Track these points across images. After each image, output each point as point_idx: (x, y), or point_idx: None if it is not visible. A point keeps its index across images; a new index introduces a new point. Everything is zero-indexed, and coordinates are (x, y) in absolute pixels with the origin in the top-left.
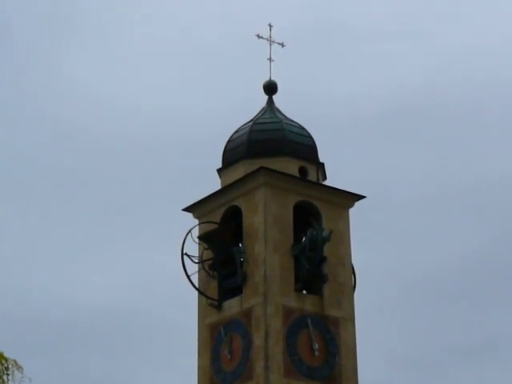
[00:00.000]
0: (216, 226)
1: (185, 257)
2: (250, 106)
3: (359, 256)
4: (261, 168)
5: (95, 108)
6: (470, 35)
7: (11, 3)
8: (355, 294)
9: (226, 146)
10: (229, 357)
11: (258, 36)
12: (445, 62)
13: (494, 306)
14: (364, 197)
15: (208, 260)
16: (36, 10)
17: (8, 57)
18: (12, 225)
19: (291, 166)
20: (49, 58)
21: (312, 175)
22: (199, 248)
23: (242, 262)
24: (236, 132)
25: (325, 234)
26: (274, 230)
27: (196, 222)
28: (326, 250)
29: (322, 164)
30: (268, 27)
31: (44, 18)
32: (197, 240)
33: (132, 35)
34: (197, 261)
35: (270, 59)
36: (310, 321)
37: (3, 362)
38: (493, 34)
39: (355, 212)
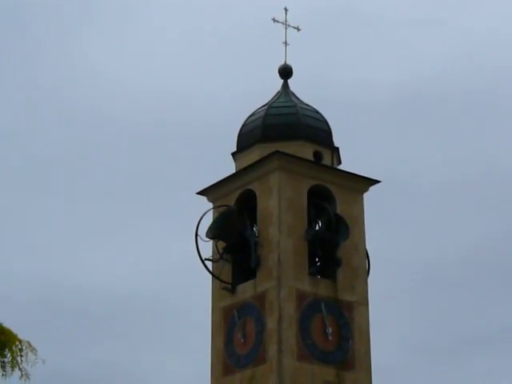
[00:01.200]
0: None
1: (199, 240)
2: (265, 89)
3: (373, 241)
4: (275, 152)
5: (109, 93)
6: (486, 22)
7: None
8: (369, 279)
9: (240, 130)
10: (242, 340)
11: (274, 20)
12: (460, 49)
13: (508, 293)
14: (378, 181)
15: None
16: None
17: (22, 42)
18: (29, 211)
19: (306, 150)
20: (62, 42)
21: (327, 159)
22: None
23: (256, 245)
24: (251, 116)
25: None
26: (288, 214)
27: (211, 205)
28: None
29: (337, 148)
30: (283, 11)
31: (59, 2)
32: (205, 239)
33: (147, 21)
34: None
35: (285, 43)
36: (323, 305)
37: (17, 343)
38: (509, 21)
39: (370, 197)
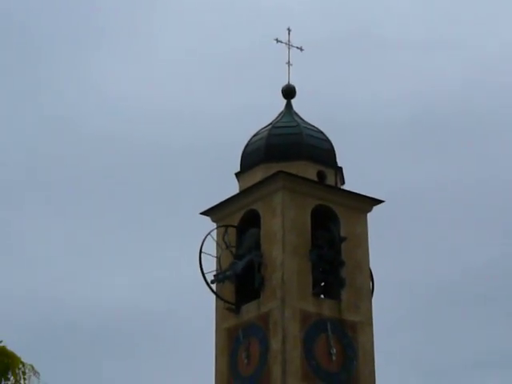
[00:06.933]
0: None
1: (203, 260)
2: (268, 109)
3: (377, 260)
4: (279, 172)
5: (112, 114)
6: (498, 43)
7: (40, 15)
8: (373, 299)
9: (244, 150)
10: (246, 361)
11: (277, 40)
12: (466, 71)
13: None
14: (382, 201)
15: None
16: (64, 21)
17: (34, 66)
18: (34, 228)
19: (309, 170)
20: (69, 65)
21: (330, 179)
22: (217, 251)
23: (259, 265)
24: (254, 136)
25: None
26: (292, 234)
27: (215, 225)
28: (344, 254)
29: (340, 168)
30: (287, 31)
31: (72, 27)
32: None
33: (151, 41)
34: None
35: (288, 63)
36: (329, 325)
37: (20, 366)
38: None
39: (373, 216)
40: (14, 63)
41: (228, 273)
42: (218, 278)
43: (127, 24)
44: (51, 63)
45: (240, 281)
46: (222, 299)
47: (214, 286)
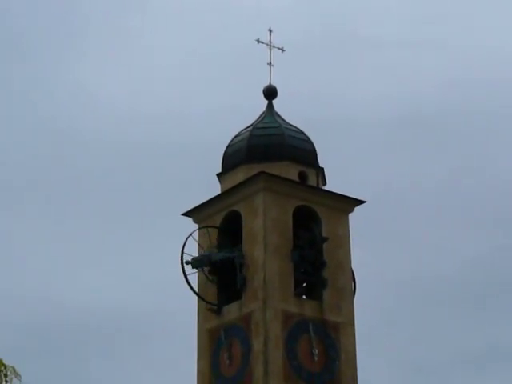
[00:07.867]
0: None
1: (184, 261)
2: (249, 110)
3: (359, 261)
4: (260, 173)
5: (95, 112)
6: (483, 43)
7: (21, 9)
8: (355, 299)
9: (225, 151)
10: (228, 362)
11: (258, 41)
12: (446, 71)
13: (496, 312)
14: (364, 202)
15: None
16: (44, 16)
17: (15, 63)
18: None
19: (291, 171)
20: (57, 63)
21: (312, 180)
22: (199, 253)
23: (241, 266)
24: (236, 137)
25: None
26: (273, 235)
27: (196, 226)
28: (326, 254)
29: (322, 169)
30: (268, 32)
31: (52, 23)
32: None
33: (135, 43)
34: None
35: (269, 64)
36: (311, 326)
37: (2, 368)
38: (508, 38)
39: (355, 217)
40: (13, 63)
41: (205, 253)
42: (193, 261)
43: (112, 27)
44: (47, 64)
45: (222, 281)
46: (203, 300)
47: (195, 287)
